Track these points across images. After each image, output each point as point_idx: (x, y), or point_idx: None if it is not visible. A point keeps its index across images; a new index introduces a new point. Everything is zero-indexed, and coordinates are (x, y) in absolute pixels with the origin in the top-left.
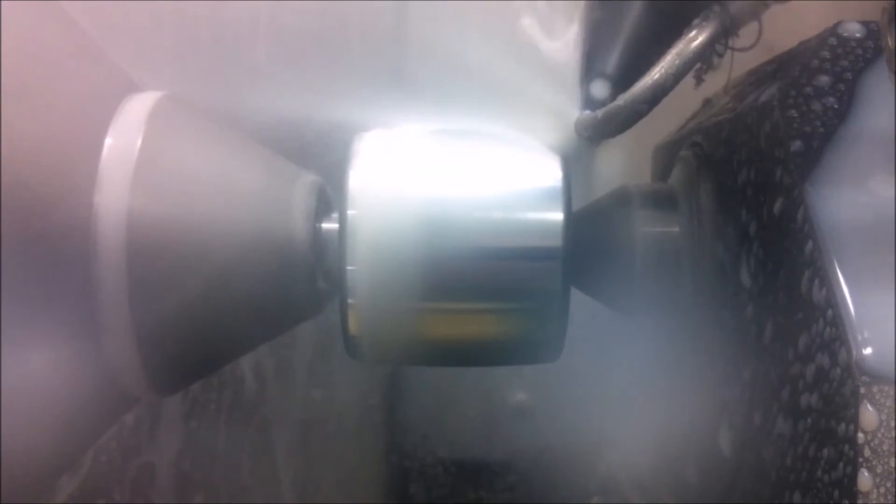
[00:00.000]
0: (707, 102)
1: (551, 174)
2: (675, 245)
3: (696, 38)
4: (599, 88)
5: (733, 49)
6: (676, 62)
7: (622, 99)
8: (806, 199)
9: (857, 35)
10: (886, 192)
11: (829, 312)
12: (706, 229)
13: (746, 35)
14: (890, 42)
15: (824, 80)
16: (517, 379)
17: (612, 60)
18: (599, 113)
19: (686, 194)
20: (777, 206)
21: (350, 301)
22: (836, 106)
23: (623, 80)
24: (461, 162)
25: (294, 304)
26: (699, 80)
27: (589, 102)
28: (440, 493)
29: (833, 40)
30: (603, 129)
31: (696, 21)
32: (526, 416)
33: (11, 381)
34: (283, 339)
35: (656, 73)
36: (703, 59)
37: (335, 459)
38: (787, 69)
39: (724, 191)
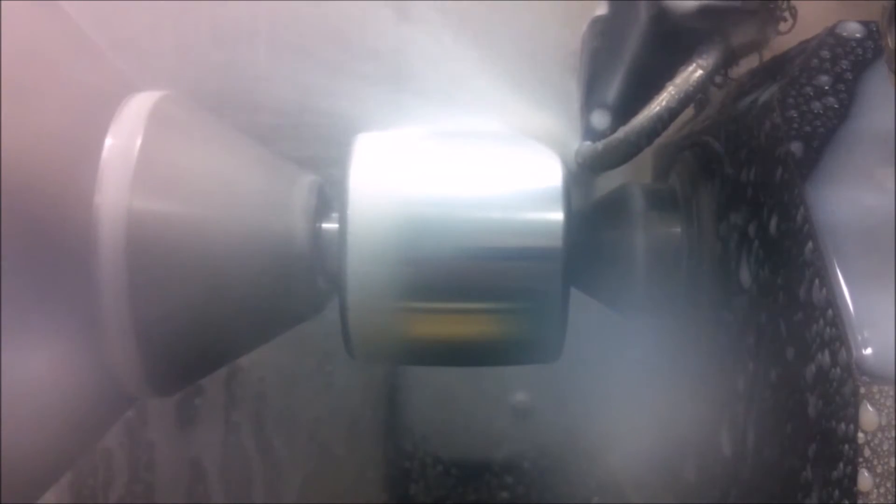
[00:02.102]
0: (707, 103)
1: (551, 174)
2: (675, 245)
3: (696, 71)
4: (599, 119)
5: (733, 80)
6: (676, 95)
7: (622, 132)
8: (806, 199)
9: (857, 35)
10: (886, 192)
11: (829, 312)
12: (706, 229)
13: (745, 63)
14: (890, 42)
15: (824, 80)
16: (517, 379)
17: (613, 90)
18: (599, 145)
19: (686, 194)
20: (777, 206)
21: (350, 301)
22: (836, 106)
23: (623, 111)
24: (461, 162)
25: (294, 304)
26: (700, 108)
27: (588, 132)
28: (440, 494)
29: (833, 40)
30: (602, 161)
31: (696, 53)
32: (526, 416)
33: (12, 380)
34: (282, 338)
35: (656, 107)
36: (704, 91)
37: (335, 460)
38: (787, 69)
39: (724, 191)
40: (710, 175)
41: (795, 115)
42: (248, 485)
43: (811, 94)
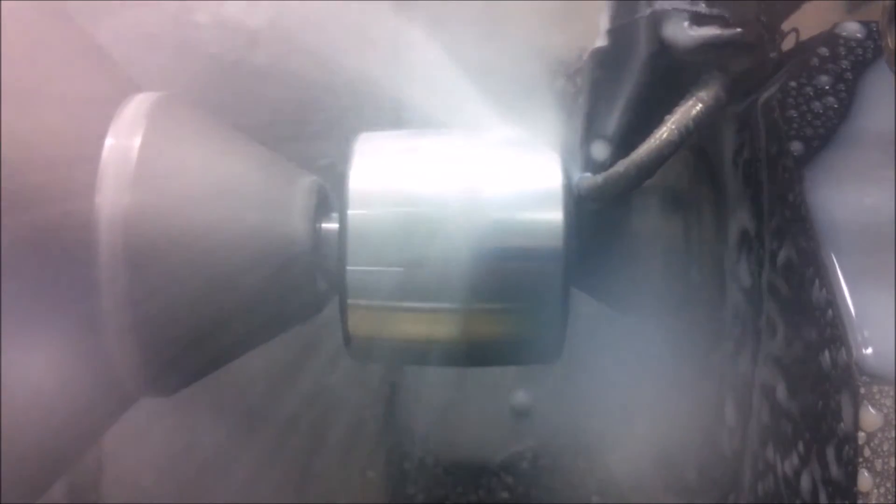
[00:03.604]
0: None
1: (551, 174)
2: (675, 245)
3: (696, 105)
4: (599, 150)
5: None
6: (676, 129)
7: (622, 165)
8: (806, 198)
9: (857, 35)
10: (886, 192)
11: (829, 312)
12: (706, 229)
13: None
14: (890, 42)
15: (824, 80)
16: (517, 379)
17: (613, 122)
18: (600, 178)
19: (686, 194)
20: (777, 207)
21: (350, 301)
22: (836, 106)
23: (624, 143)
24: (461, 162)
25: (294, 303)
26: None
27: (589, 164)
28: (440, 494)
29: (833, 40)
30: (603, 193)
31: (696, 87)
32: (526, 416)
33: (12, 380)
34: (282, 338)
35: (656, 140)
36: (705, 124)
37: (335, 460)
38: (787, 69)
39: (724, 191)
40: (710, 175)
41: (795, 115)
42: (247, 485)
43: (811, 94)
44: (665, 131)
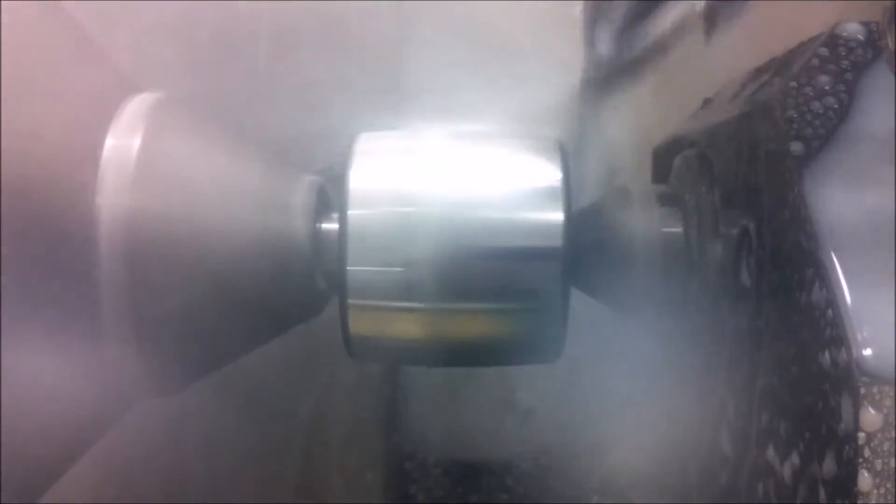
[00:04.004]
0: (707, 102)
1: (551, 174)
2: (675, 245)
3: None
4: (603, 40)
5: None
6: (679, 10)
7: (626, 50)
8: (806, 198)
9: (858, 35)
10: (886, 192)
11: (829, 312)
12: (706, 229)
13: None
14: (890, 42)
15: (824, 80)
16: (517, 379)
17: (617, 11)
18: (604, 52)
19: (686, 194)
20: (777, 207)
21: (350, 301)
22: (836, 106)
23: (627, 32)
24: (461, 162)
25: (294, 304)
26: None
27: (593, 54)
28: (440, 495)
29: (833, 40)
30: (611, 71)
31: None
32: (526, 416)
33: (12, 380)
34: (282, 338)
35: (658, 25)
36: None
37: (335, 461)
38: (787, 69)
39: (724, 191)
40: (709, 175)
41: (795, 115)
42: (246, 485)
43: (811, 94)
44: (667, 15)
